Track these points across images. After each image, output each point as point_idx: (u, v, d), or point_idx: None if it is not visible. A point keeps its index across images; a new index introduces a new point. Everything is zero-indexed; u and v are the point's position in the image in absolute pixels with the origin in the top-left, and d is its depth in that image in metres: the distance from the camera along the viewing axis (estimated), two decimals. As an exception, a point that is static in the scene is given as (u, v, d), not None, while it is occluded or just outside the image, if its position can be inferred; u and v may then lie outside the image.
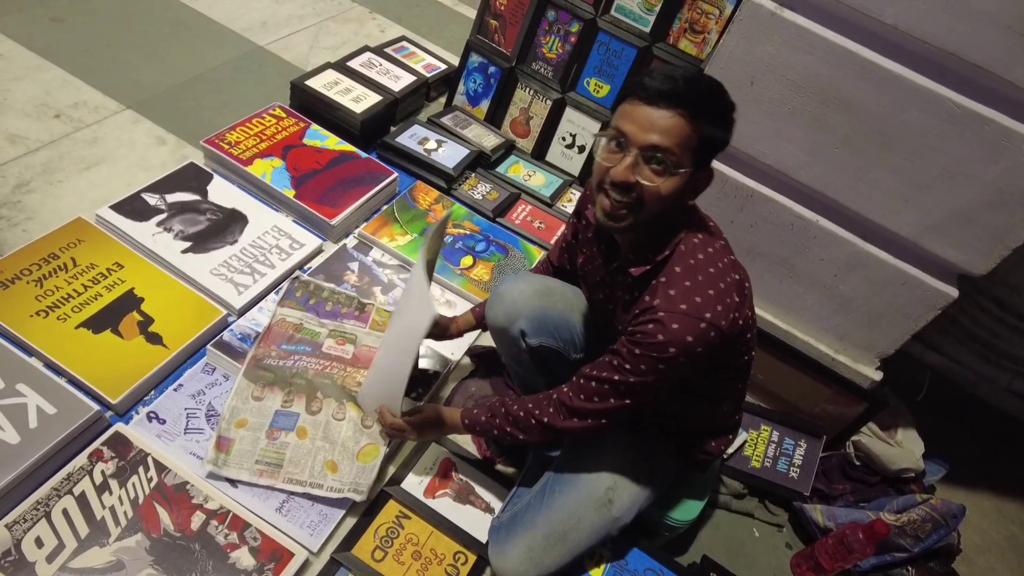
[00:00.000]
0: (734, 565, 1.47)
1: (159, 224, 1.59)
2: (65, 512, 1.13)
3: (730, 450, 1.64)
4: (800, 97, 1.34)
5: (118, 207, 1.58)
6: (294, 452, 1.32)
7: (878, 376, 1.59)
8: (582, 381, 1.12)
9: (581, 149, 2.25)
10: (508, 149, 2.28)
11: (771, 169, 1.46)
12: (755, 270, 1.60)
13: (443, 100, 2.41)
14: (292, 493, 1.28)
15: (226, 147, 1.78)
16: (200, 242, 1.59)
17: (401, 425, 1.32)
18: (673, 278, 1.03)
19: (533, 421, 1.18)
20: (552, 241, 1.98)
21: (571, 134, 2.24)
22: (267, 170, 1.78)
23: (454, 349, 1.64)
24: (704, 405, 1.23)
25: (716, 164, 1.51)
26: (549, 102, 2.21)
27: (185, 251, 1.56)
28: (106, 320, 1.38)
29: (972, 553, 1.77)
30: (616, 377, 1.06)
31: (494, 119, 2.33)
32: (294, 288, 1.58)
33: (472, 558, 1.32)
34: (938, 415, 1.97)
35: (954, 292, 1.39)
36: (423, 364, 1.56)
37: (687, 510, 1.41)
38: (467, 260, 1.83)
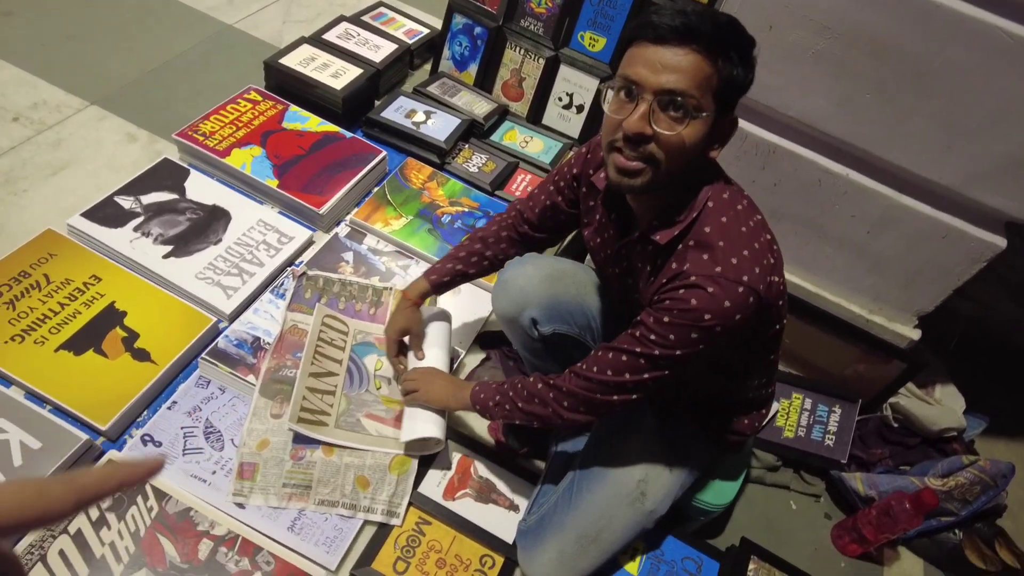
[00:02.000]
0: (773, 542, 1.41)
1: (136, 229, 1.48)
2: (62, 553, 1.05)
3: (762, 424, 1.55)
4: (826, 40, 1.21)
5: (90, 214, 1.46)
6: (321, 471, 1.24)
7: (916, 335, 1.49)
8: (600, 353, 1.01)
9: (579, 109, 2.11)
10: (501, 115, 2.14)
11: (795, 122, 1.33)
12: (779, 233, 1.45)
13: (428, 67, 2.26)
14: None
15: (201, 139, 1.66)
16: (182, 245, 1.48)
17: (412, 376, 1.27)
18: (703, 239, 0.92)
19: (550, 394, 1.06)
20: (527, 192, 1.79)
21: (568, 93, 2.10)
22: (247, 160, 1.66)
23: (462, 338, 1.54)
24: (732, 381, 1.13)
25: (733, 119, 1.41)
26: (542, 61, 2.07)
27: (166, 256, 1.45)
28: (87, 340, 1.28)
29: (1016, 507, 1.70)
30: (638, 349, 0.95)
31: (484, 83, 2.18)
32: (302, 288, 1.47)
33: (500, 560, 1.25)
34: (971, 364, 1.89)
35: (1002, 242, 1.28)
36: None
37: (722, 492, 1.33)
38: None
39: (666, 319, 0.92)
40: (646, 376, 0.97)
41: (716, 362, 1.07)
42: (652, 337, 0.93)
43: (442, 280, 1.31)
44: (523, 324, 1.24)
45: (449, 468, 1.34)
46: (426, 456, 1.32)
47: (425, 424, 1.26)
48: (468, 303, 1.61)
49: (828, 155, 1.36)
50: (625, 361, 0.97)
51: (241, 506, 1.18)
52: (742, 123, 1.38)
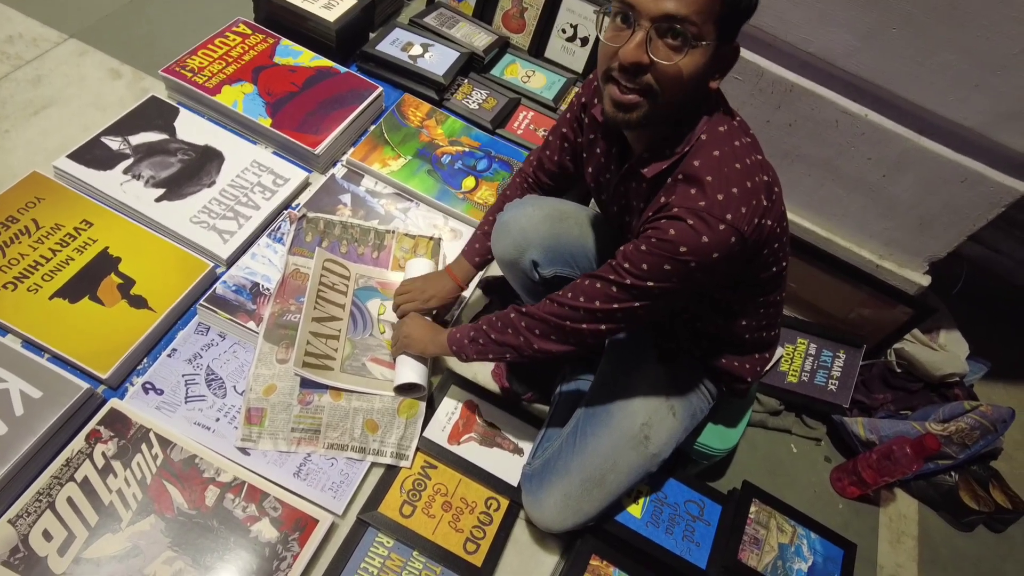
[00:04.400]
0: (774, 485, 1.43)
1: (126, 171, 1.42)
2: (70, 500, 1.06)
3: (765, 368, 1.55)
4: (852, -33, 1.13)
5: (77, 156, 1.41)
6: (330, 415, 1.24)
7: (926, 281, 1.47)
8: (579, 280, 1.00)
9: (584, 42, 2.01)
10: (502, 48, 2.04)
11: (814, 58, 1.26)
12: (793, 174, 1.44)
13: (426, -4, 2.15)
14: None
15: (189, 75, 1.58)
16: (174, 187, 1.43)
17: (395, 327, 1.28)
18: (692, 172, 0.88)
19: (522, 322, 1.05)
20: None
21: (571, 25, 2.00)
22: (238, 98, 1.58)
23: (465, 284, 1.52)
24: (727, 320, 1.11)
25: (749, 56, 1.33)
26: (545, -10, 1.96)
27: (159, 199, 1.41)
28: (82, 287, 1.25)
29: (1011, 448, 1.73)
30: (612, 276, 0.93)
31: (483, 14, 2.07)
32: (303, 231, 1.43)
33: (504, 503, 1.26)
34: (975, 308, 1.88)
35: (1022, 187, 1.24)
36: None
37: (726, 437, 1.34)
38: (469, 182, 1.67)
39: (643, 247, 0.90)
40: (615, 306, 0.95)
41: (711, 301, 1.06)
42: (626, 265, 0.92)
43: (484, 259, 1.32)
44: (524, 267, 1.21)
45: (455, 413, 1.34)
46: (432, 401, 1.32)
47: (403, 370, 1.27)
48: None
49: (848, 94, 1.29)
50: (599, 288, 0.96)
51: (245, 452, 1.18)
52: (760, 59, 1.32)
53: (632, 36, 0.80)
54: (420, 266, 1.42)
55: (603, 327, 0.99)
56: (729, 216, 0.85)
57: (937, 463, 1.51)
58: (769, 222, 0.91)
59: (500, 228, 1.22)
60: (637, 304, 0.94)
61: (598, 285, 0.96)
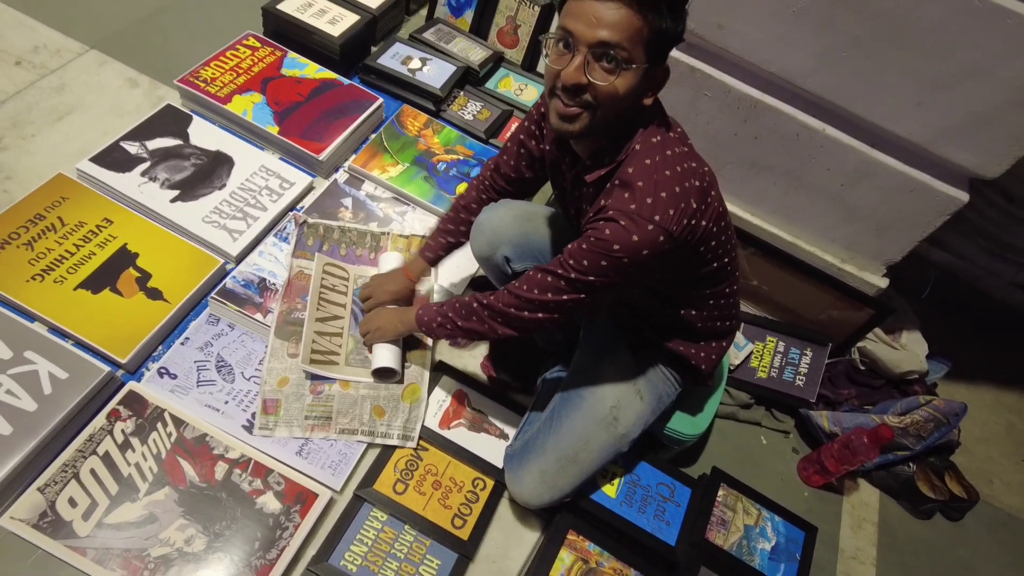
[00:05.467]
0: (742, 473, 1.53)
1: (143, 174, 1.53)
2: (93, 472, 1.16)
3: (736, 362, 1.66)
4: (807, -3, 1.25)
5: (98, 159, 1.52)
6: (340, 403, 1.35)
7: (884, 283, 1.58)
8: (531, 273, 1.11)
9: (574, 58, 2.13)
10: (496, 62, 2.16)
11: (775, 77, 1.38)
12: (760, 183, 1.56)
13: (424, 13, 2.27)
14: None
15: (202, 85, 1.70)
16: (188, 189, 1.55)
17: (364, 320, 1.39)
18: (626, 178, 1.00)
19: (485, 313, 1.16)
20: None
21: (563, 42, 2.11)
22: (247, 107, 1.70)
23: (457, 283, 1.63)
24: (679, 313, 1.22)
25: (717, 74, 1.45)
26: (537, 8, 2.08)
27: (174, 200, 1.52)
28: (103, 279, 1.36)
29: (971, 444, 1.84)
30: (559, 271, 1.05)
31: (479, 30, 2.19)
32: (304, 236, 1.55)
33: (490, 483, 1.37)
34: (943, 312, 1.99)
35: (965, 197, 1.36)
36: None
37: (695, 423, 1.45)
38: (463, 188, 1.78)
39: (584, 245, 1.01)
40: (564, 298, 1.07)
41: (659, 293, 1.18)
42: (571, 262, 1.03)
43: (437, 255, 1.43)
44: (497, 262, 1.34)
45: (446, 400, 1.44)
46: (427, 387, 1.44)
47: (379, 354, 1.38)
48: (462, 252, 1.68)
49: (806, 110, 1.41)
50: (549, 282, 1.07)
51: (251, 432, 1.29)
52: (727, 78, 1.44)
53: (572, 60, 0.92)
54: (391, 259, 1.53)
55: (556, 315, 1.11)
56: (657, 217, 0.96)
57: (896, 454, 1.61)
58: (704, 223, 1.02)
59: (476, 228, 1.34)
60: (582, 296, 1.06)
61: (549, 279, 1.07)
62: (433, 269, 1.56)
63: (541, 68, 2.19)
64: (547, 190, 1.36)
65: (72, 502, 1.13)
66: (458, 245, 1.43)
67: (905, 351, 1.69)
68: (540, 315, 1.11)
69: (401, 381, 1.40)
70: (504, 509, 1.36)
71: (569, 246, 1.05)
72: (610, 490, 1.38)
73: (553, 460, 1.27)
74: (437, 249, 1.43)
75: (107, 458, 1.18)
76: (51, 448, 1.17)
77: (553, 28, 0.97)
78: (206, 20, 1.97)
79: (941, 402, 1.57)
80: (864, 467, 1.61)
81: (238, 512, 1.19)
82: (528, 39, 2.15)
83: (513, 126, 2.01)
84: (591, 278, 1.02)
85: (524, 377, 1.52)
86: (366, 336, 1.40)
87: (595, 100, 0.94)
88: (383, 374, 1.38)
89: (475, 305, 1.18)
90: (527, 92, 2.12)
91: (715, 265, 1.13)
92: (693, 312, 1.22)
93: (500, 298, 1.14)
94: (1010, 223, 1.95)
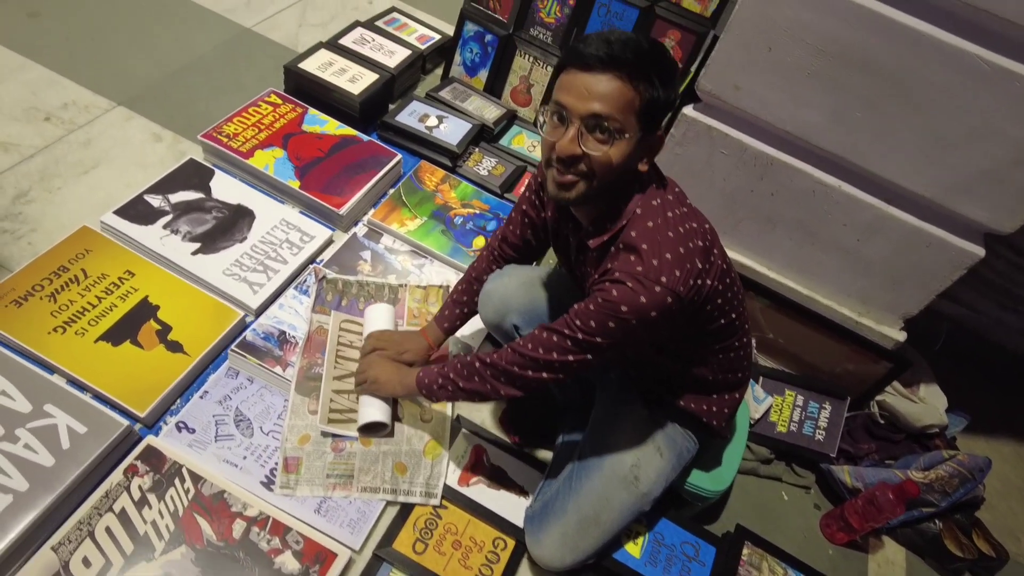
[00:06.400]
0: (765, 529, 1.50)
1: (165, 227, 1.55)
2: (108, 530, 1.14)
3: (756, 416, 1.65)
4: (820, 61, 1.30)
5: (122, 212, 1.54)
6: (362, 461, 1.33)
7: (902, 337, 1.58)
8: (537, 332, 1.10)
9: (585, 115, 2.19)
10: (510, 120, 2.22)
11: (791, 136, 1.42)
12: (776, 237, 1.58)
13: (439, 72, 2.34)
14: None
15: (225, 140, 1.73)
16: (209, 242, 1.56)
17: (361, 367, 1.36)
18: (630, 242, 1.01)
19: (488, 372, 1.14)
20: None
21: (574, 101, 2.18)
22: (269, 161, 1.74)
23: (474, 338, 1.63)
24: (690, 369, 1.22)
25: (733, 133, 1.49)
26: (550, 68, 2.15)
27: (195, 252, 1.53)
28: (124, 331, 1.36)
29: (994, 499, 1.80)
30: (566, 331, 1.04)
31: (493, 89, 2.26)
32: (324, 291, 1.56)
33: (511, 543, 1.33)
34: (956, 363, 1.98)
35: (980, 251, 1.38)
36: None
37: (718, 479, 1.42)
38: (479, 241, 1.80)
39: (591, 307, 1.01)
40: (570, 358, 1.06)
41: (667, 350, 1.18)
42: (577, 322, 1.03)
43: (453, 325, 1.43)
44: (506, 329, 1.36)
45: (464, 456, 1.42)
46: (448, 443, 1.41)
47: (368, 409, 1.35)
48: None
49: (821, 167, 1.45)
50: (555, 341, 1.06)
51: (269, 488, 1.26)
52: (743, 136, 1.48)
53: (566, 132, 0.95)
54: (380, 311, 1.51)
55: (560, 375, 1.10)
56: (664, 279, 0.97)
57: (921, 511, 1.58)
58: (709, 282, 1.03)
59: (483, 297, 1.36)
60: (587, 356, 1.05)
61: (555, 339, 1.06)
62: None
63: (553, 125, 2.25)
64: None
65: (86, 562, 1.10)
66: (472, 314, 1.42)
67: (924, 404, 1.68)
68: (544, 375, 1.10)
69: (391, 435, 1.38)
70: (525, 571, 1.32)
71: (575, 306, 1.05)
72: (634, 549, 1.35)
73: (574, 522, 1.24)
74: (453, 320, 1.42)
75: (123, 515, 1.16)
76: (67, 504, 1.14)
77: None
78: (229, 78, 2.04)
79: (965, 456, 1.56)
80: (889, 524, 1.58)
81: (256, 572, 1.16)
82: (541, 98, 2.21)
83: (527, 181, 2.04)
84: (597, 339, 1.02)
85: (543, 435, 1.50)
86: (361, 384, 1.36)
87: (590, 169, 0.97)
88: (372, 428, 1.35)
89: (477, 364, 1.16)
90: (539, 149, 2.17)
91: (722, 321, 1.14)
92: (704, 367, 1.22)
93: (504, 356, 1.13)
94: (1020, 277, 1.97)
